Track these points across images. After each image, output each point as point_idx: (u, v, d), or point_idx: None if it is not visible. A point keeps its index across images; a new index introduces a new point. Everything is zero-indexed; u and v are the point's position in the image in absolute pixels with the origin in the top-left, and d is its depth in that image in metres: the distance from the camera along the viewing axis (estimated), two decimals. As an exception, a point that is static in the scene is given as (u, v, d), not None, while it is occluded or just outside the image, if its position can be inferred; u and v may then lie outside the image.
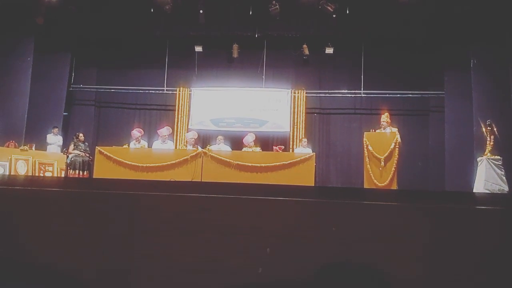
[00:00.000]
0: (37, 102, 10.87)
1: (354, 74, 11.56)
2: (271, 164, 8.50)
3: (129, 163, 8.61)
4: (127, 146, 9.21)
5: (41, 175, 8.83)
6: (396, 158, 8.02)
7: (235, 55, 11.75)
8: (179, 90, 12.00)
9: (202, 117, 11.91)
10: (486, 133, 8.39)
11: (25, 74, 10.66)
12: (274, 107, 11.78)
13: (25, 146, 9.11)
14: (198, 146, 9.23)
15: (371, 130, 8.77)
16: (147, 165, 8.57)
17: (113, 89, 12.13)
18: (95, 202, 1.74)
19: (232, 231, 1.61)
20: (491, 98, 9.66)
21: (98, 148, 8.98)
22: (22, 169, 8.74)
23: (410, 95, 11.33)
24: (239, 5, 10.42)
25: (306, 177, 8.32)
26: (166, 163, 8.57)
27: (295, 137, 11.42)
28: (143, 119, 12.15)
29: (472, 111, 9.76)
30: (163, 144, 9.36)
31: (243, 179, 8.16)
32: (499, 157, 8.18)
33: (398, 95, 11.31)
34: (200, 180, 8.27)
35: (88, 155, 9.18)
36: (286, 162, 8.51)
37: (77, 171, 8.93)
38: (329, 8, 10.06)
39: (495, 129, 8.31)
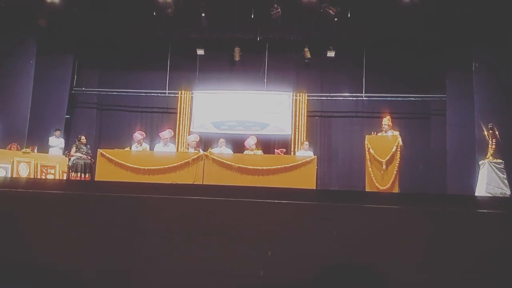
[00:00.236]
0: (39, 105, 10.89)
1: (356, 77, 11.56)
2: (272, 167, 8.49)
3: (131, 165, 8.61)
4: (129, 149, 9.21)
5: (43, 177, 8.84)
6: (397, 161, 8.00)
7: (237, 58, 11.76)
8: (181, 93, 12.02)
9: (203, 120, 11.91)
10: (488, 136, 8.37)
11: (27, 76, 10.68)
12: (275, 110, 11.79)
13: (27, 149, 9.12)
14: (200, 149, 9.23)
15: (372, 133, 8.76)
16: (149, 167, 8.57)
17: (115, 91, 12.15)
18: (96, 205, 1.74)
19: (233, 234, 1.61)
20: (493, 101, 9.65)
21: (100, 150, 8.98)
22: (24, 172, 8.75)
23: (412, 98, 11.33)
24: (241, 8, 10.44)
25: (307, 180, 8.31)
26: (167, 166, 8.57)
27: (296, 140, 11.42)
28: (145, 122, 12.17)
29: (474, 114, 9.75)
30: (165, 147, 9.36)
31: (244, 182, 8.15)
32: (501, 161, 8.16)
33: (400, 98, 11.30)
34: (201, 183, 8.26)
35: (90, 157, 9.19)
36: (288, 165, 8.50)
37: (79, 174, 8.92)
38: (331, 11, 10.07)
39: (497, 132, 8.29)
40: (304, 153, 9.60)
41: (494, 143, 8.25)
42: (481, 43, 9.85)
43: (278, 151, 9.62)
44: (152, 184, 4.77)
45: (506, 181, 8.01)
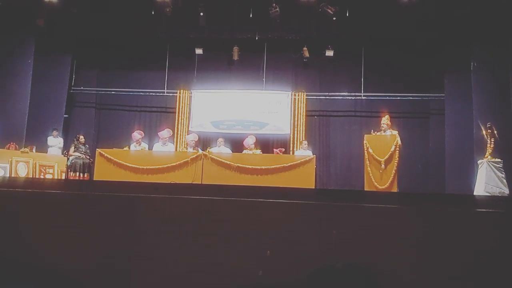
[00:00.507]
0: (37, 104, 10.87)
1: (354, 76, 11.56)
2: (271, 167, 8.49)
3: (130, 165, 8.61)
4: (127, 148, 9.21)
5: (42, 177, 8.83)
6: (396, 161, 8.02)
7: (236, 57, 11.76)
8: (180, 92, 12.01)
9: (202, 119, 11.91)
10: (487, 136, 8.39)
11: (25, 76, 10.66)
12: (274, 110, 11.79)
13: (25, 148, 9.11)
14: (199, 149, 9.23)
15: (372, 132, 8.76)
16: (148, 167, 8.57)
17: (113, 91, 12.14)
18: (95, 204, 1.74)
19: (232, 233, 1.61)
20: (492, 101, 9.66)
21: (98, 150, 8.98)
22: (22, 171, 8.74)
23: (411, 98, 11.33)
24: (239, 8, 10.43)
25: (306, 180, 8.31)
26: (166, 166, 8.57)
27: (295, 139, 11.42)
28: (144, 121, 12.16)
29: (472, 113, 9.76)
30: (164, 147, 9.36)
31: (243, 182, 8.15)
32: (499, 160, 8.18)
33: (399, 98, 11.30)
34: (200, 183, 8.26)
35: (88, 157, 9.19)
36: (287, 165, 8.51)
37: (77, 173, 8.93)
38: (329, 10, 10.07)
39: (495, 131, 8.31)
40: (303, 152, 9.61)
41: (492, 143, 8.27)
42: (480, 43, 9.86)
43: (277, 150, 9.63)
44: (151, 184, 4.77)
45: (504, 180, 8.03)
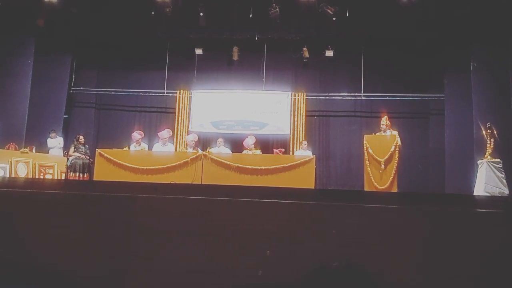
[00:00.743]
0: (37, 104, 10.87)
1: (354, 76, 11.57)
2: (271, 167, 8.49)
3: (130, 165, 8.61)
4: (127, 149, 9.21)
5: (42, 177, 8.83)
6: (396, 161, 8.02)
7: (235, 57, 11.76)
8: (179, 93, 12.01)
9: (202, 119, 11.91)
10: (486, 136, 8.39)
11: (25, 76, 10.67)
12: (274, 110, 11.79)
13: (25, 149, 9.11)
14: (198, 149, 9.22)
15: (375, 132, 8.76)
16: (147, 167, 8.56)
17: (113, 91, 12.13)
18: (95, 204, 1.74)
19: (232, 233, 1.61)
20: (492, 101, 9.66)
21: (98, 150, 8.97)
22: (22, 172, 8.74)
23: (410, 98, 11.33)
24: (239, 8, 10.43)
25: (306, 180, 8.31)
26: (166, 166, 8.57)
27: (295, 139, 11.42)
28: (144, 122, 12.16)
29: (472, 113, 9.76)
30: (164, 147, 9.36)
31: (243, 182, 8.15)
32: (499, 160, 8.18)
33: (398, 98, 11.30)
34: (200, 183, 8.26)
35: (88, 157, 9.18)
36: (286, 165, 8.51)
37: (77, 174, 8.92)
38: (329, 10, 10.07)
39: (495, 132, 8.31)
40: (303, 152, 9.60)
41: (492, 143, 8.27)
42: (480, 43, 9.86)
43: (277, 150, 9.63)
44: (151, 184, 4.77)
45: (504, 181, 8.03)
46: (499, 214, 1.66)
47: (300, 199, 1.80)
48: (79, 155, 9.06)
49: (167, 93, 12.08)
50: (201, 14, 10.53)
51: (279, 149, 9.81)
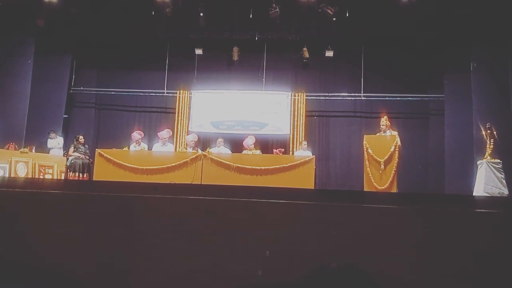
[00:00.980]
0: (37, 104, 10.87)
1: (354, 77, 11.56)
2: (271, 167, 8.49)
3: (129, 165, 8.61)
4: (127, 149, 9.21)
5: (41, 177, 8.83)
6: (396, 161, 8.02)
7: (235, 58, 11.75)
8: (179, 93, 12.01)
9: (202, 119, 11.91)
10: (486, 136, 8.39)
11: (25, 76, 10.66)
12: (274, 110, 11.79)
13: (25, 149, 9.11)
14: (198, 149, 9.22)
15: (375, 132, 8.76)
16: (147, 167, 8.56)
17: (113, 91, 12.12)
18: (95, 204, 1.74)
19: (231, 233, 1.61)
20: (491, 101, 9.66)
21: (98, 150, 8.97)
22: (22, 172, 8.74)
23: (410, 98, 11.33)
24: (239, 8, 10.43)
25: (306, 180, 8.31)
26: (166, 166, 8.57)
27: (295, 140, 11.42)
28: (143, 122, 12.15)
29: (472, 114, 9.76)
30: (163, 147, 9.36)
31: (243, 182, 8.15)
32: (499, 161, 8.18)
33: (398, 98, 11.30)
34: (200, 183, 8.26)
35: (88, 157, 9.18)
36: (286, 165, 8.51)
37: (77, 174, 8.92)
38: (329, 11, 10.07)
39: (495, 132, 8.31)
40: (303, 153, 9.61)
41: (492, 143, 8.27)
42: (480, 43, 9.86)
43: (277, 151, 9.63)
44: (151, 184, 4.77)
45: (504, 181, 8.04)
46: (499, 215, 1.66)
47: (300, 199, 1.80)
48: (78, 155, 9.05)
49: (167, 93, 12.08)
50: (201, 14, 10.53)
51: (279, 149, 9.81)
